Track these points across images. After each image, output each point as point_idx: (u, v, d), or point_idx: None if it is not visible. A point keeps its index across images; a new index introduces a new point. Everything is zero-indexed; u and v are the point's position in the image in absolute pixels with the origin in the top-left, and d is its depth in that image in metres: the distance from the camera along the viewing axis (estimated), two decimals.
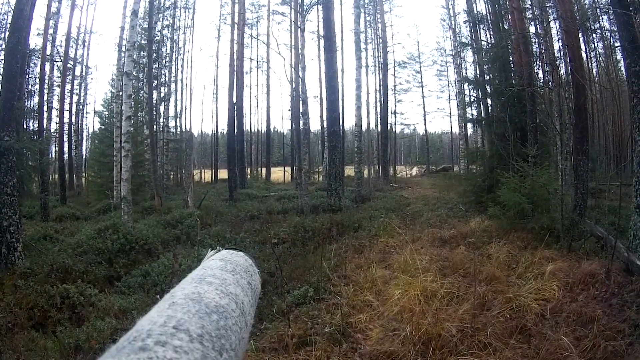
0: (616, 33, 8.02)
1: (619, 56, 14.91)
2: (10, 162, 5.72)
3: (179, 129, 22.10)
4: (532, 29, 9.81)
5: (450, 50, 24.64)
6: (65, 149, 17.63)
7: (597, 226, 5.61)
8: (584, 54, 12.31)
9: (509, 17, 9.43)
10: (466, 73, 19.93)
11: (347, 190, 12.92)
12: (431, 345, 2.71)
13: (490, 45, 11.43)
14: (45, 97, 14.49)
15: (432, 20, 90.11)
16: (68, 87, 19.65)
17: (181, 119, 22.48)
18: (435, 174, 26.23)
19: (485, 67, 10.68)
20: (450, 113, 29.65)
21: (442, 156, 38.75)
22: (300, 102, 11.77)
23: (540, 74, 10.01)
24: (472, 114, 14.38)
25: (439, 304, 3.30)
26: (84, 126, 25.12)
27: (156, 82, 18.66)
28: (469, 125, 19.39)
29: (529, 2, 9.97)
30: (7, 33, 7.57)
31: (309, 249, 6.18)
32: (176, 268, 4.49)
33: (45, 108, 14.10)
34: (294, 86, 13.96)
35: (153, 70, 16.57)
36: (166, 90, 20.85)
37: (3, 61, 7.51)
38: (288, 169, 26.70)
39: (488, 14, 12.78)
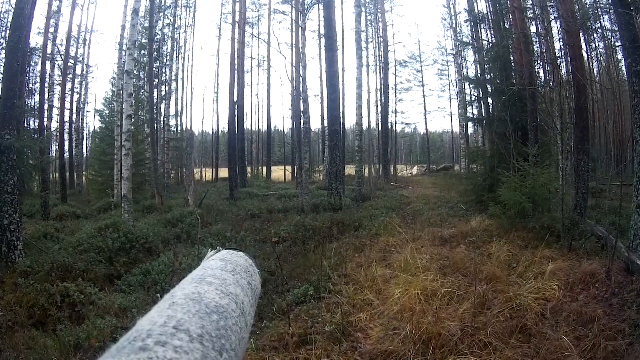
0: (617, 32, 8.03)
1: (619, 56, 14.89)
2: (11, 161, 5.73)
3: (179, 128, 22.11)
4: (533, 29, 9.79)
5: (451, 50, 24.68)
6: (66, 147, 17.63)
7: (598, 226, 5.61)
8: (584, 54, 12.26)
9: (510, 16, 9.43)
10: (467, 72, 19.87)
11: (348, 189, 12.91)
12: (431, 344, 2.71)
13: (491, 44, 11.42)
14: (46, 96, 14.48)
15: (433, 20, 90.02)
16: (69, 85, 19.71)
17: (182, 118, 22.52)
18: (435, 173, 26.24)
19: (486, 66, 10.67)
20: (451, 112, 29.78)
21: (443, 155, 38.71)
22: (301, 100, 11.76)
23: (541, 74, 10.01)
24: (473, 113, 14.33)
25: (439, 303, 3.30)
26: (84, 125, 25.20)
27: (157, 80, 18.66)
28: (470, 124, 19.36)
29: (530, 2, 9.95)
30: (8, 31, 7.55)
31: (310, 248, 6.19)
32: (176, 267, 4.50)
33: (45, 106, 14.07)
34: (294, 85, 13.96)
35: (154, 68, 16.58)
36: (167, 88, 20.85)
37: (4, 60, 7.52)
38: (289, 167, 26.72)
39: (489, 13, 12.77)
